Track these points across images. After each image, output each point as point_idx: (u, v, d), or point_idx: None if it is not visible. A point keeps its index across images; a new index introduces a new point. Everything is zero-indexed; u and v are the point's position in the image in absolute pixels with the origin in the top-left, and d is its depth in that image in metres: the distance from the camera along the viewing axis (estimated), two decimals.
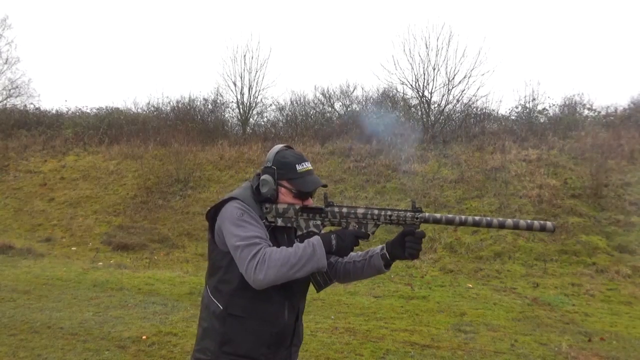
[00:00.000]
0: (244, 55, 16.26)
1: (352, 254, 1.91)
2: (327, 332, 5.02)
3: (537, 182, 10.13)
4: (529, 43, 29.17)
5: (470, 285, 7.26)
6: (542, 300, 6.49)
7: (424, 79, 13.80)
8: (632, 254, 7.90)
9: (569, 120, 12.80)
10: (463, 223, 1.63)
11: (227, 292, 1.74)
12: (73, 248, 9.79)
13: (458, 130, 13.30)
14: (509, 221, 1.59)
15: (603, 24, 31.54)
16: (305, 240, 1.65)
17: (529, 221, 1.58)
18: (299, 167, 1.79)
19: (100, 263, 8.53)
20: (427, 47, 13.87)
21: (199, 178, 12.44)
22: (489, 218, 1.62)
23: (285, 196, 1.80)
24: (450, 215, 1.65)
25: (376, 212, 1.72)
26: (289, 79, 35.12)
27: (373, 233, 1.74)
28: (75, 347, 4.38)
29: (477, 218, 1.62)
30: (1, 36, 20.09)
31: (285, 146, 1.87)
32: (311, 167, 1.84)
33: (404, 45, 17.50)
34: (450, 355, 4.44)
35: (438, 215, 1.67)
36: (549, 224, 1.57)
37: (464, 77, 13.52)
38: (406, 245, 1.68)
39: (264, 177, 1.79)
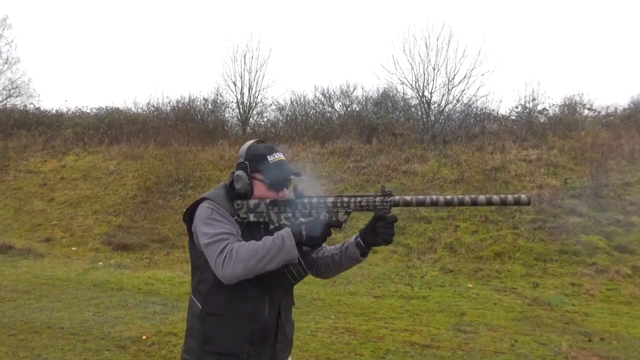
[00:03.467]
0: (244, 55, 16.26)
1: (330, 247, 1.90)
2: (327, 332, 5.02)
3: (537, 182, 10.12)
4: (529, 43, 29.14)
5: (470, 285, 7.26)
6: (542, 300, 6.49)
7: (424, 79, 13.80)
8: (632, 254, 7.89)
9: (569, 120, 12.77)
10: (435, 203, 1.58)
11: (204, 290, 1.75)
12: (73, 248, 9.79)
13: (458, 130, 13.29)
14: (482, 197, 1.54)
15: (603, 24, 31.54)
16: (275, 232, 1.64)
17: (502, 195, 1.52)
18: (270, 158, 1.79)
19: (100, 263, 8.53)
20: (427, 47, 13.88)
21: (199, 178, 12.44)
22: (460, 196, 1.56)
23: (260, 189, 1.79)
24: (420, 197, 1.60)
25: (346, 199, 1.68)
26: (289, 79, 35.18)
27: (345, 221, 1.69)
28: (75, 347, 4.39)
29: (448, 197, 1.57)
30: (1, 36, 20.11)
31: (256, 141, 1.89)
32: (284, 158, 1.83)
33: (404, 45, 17.56)
34: (450, 355, 4.44)
35: (408, 197, 1.61)
36: (523, 196, 1.51)
37: (464, 77, 13.53)
38: (378, 230, 1.64)
39: (237, 172, 1.80)
